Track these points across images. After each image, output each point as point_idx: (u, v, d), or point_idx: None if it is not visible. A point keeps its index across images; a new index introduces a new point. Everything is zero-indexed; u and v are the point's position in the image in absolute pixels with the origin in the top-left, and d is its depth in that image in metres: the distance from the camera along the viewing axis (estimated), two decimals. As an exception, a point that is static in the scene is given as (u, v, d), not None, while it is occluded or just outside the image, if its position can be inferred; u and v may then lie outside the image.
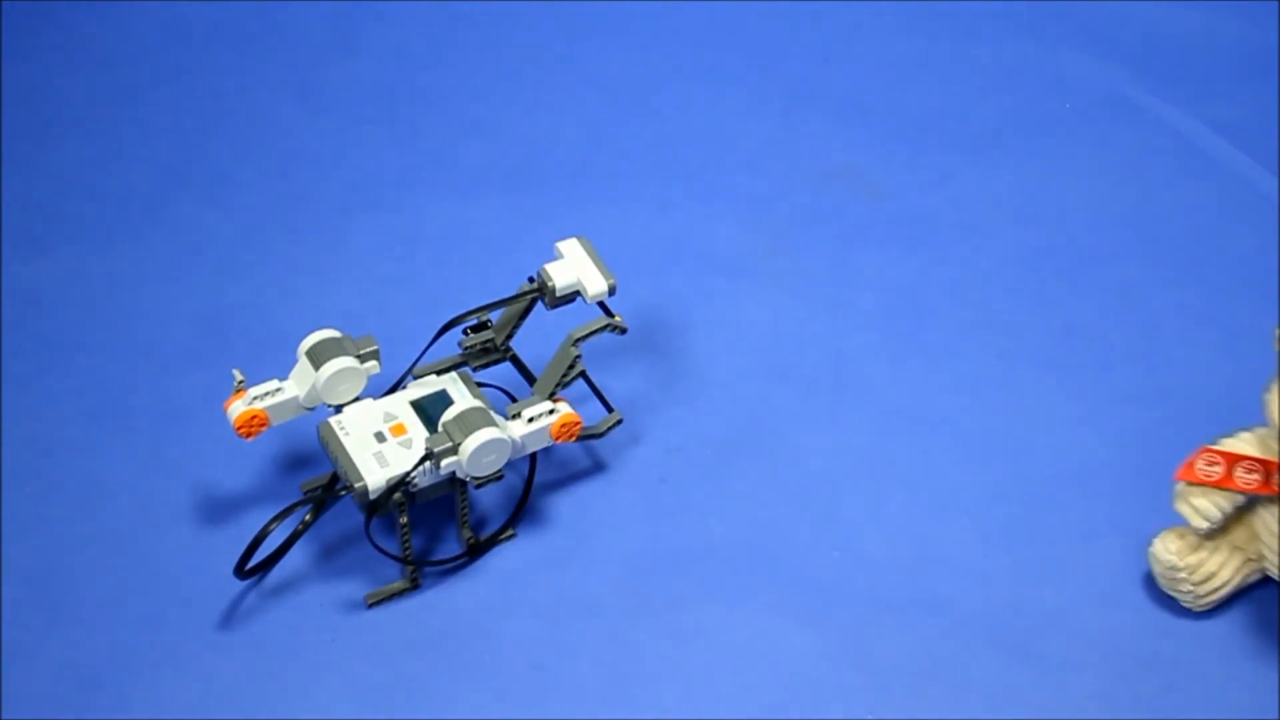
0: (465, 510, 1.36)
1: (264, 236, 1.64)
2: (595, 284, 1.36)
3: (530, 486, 1.41)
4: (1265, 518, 1.31)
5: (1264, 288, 1.61)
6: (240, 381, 1.32)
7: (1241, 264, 1.64)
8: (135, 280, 1.60)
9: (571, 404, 1.36)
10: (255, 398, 1.31)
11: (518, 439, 1.32)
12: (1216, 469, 1.28)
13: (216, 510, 1.41)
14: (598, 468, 1.45)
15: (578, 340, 1.35)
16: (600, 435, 1.42)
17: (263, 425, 1.32)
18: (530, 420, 1.32)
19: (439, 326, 1.37)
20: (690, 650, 1.33)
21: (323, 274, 1.61)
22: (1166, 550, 1.33)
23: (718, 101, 1.81)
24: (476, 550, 1.38)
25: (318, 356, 1.32)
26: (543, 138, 1.76)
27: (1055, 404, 1.51)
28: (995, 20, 1.90)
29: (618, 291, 1.38)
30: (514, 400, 1.42)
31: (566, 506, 1.43)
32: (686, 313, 1.58)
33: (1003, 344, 1.56)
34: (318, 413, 1.37)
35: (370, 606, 1.35)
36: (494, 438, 1.29)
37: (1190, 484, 1.30)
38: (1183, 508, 1.30)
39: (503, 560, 1.39)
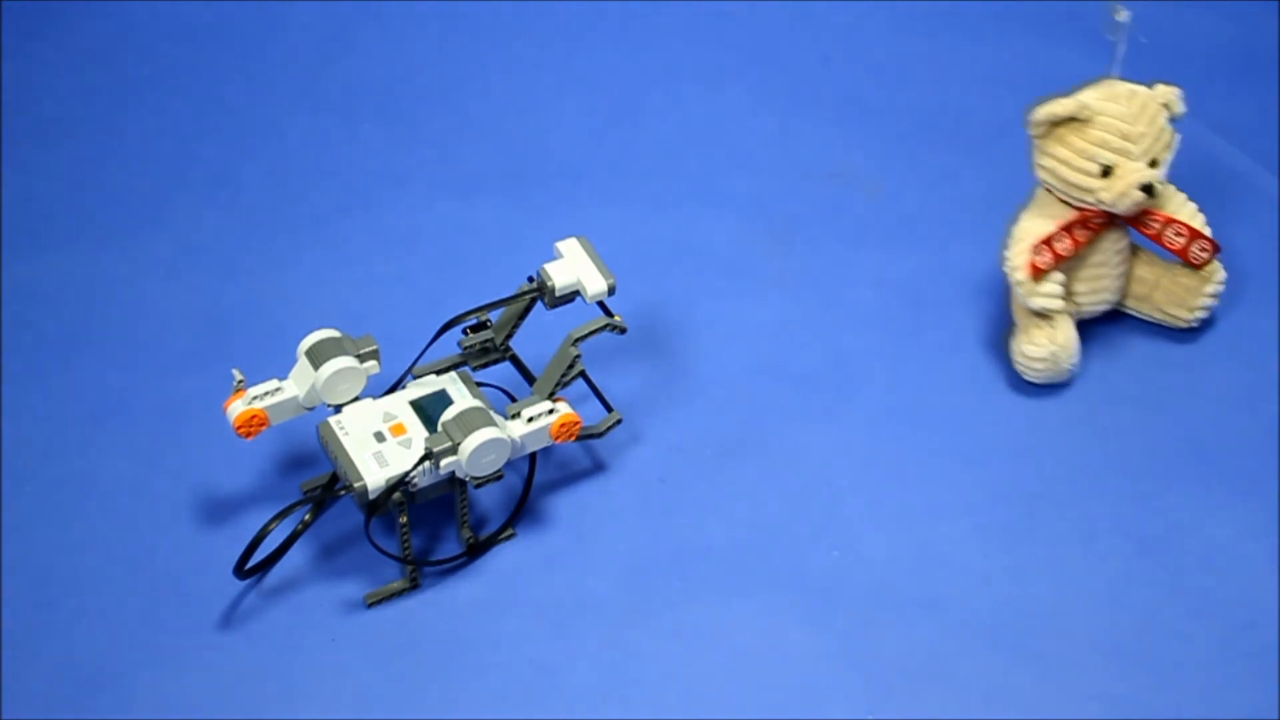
0: (465, 510, 1.36)
1: (263, 236, 1.64)
2: (595, 284, 1.36)
3: (530, 486, 1.41)
4: (1078, 269, 1.51)
5: (1264, 288, 1.61)
6: (240, 381, 1.32)
7: (1241, 264, 1.63)
8: (135, 280, 1.60)
9: (571, 404, 1.36)
10: (255, 397, 1.31)
11: (517, 439, 1.32)
12: (1046, 254, 1.46)
13: (216, 510, 1.41)
14: (598, 468, 1.45)
15: (577, 340, 1.35)
16: (600, 435, 1.42)
17: (262, 425, 1.32)
18: (530, 420, 1.32)
19: (439, 326, 1.37)
20: (690, 650, 1.33)
21: (323, 274, 1.61)
22: (1037, 346, 1.48)
23: (717, 101, 1.81)
24: (476, 550, 1.38)
25: (317, 356, 1.32)
26: (543, 138, 1.76)
27: (1055, 403, 1.51)
28: (995, 20, 1.90)
29: (617, 291, 1.38)
30: (513, 400, 1.42)
31: (566, 506, 1.43)
32: (686, 313, 1.58)
33: (1002, 343, 1.56)
34: (318, 413, 1.37)
35: (370, 606, 1.35)
36: (493, 437, 1.29)
37: (1030, 280, 1.46)
38: (1040, 301, 1.47)
39: (503, 560, 1.39)
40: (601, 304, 1.38)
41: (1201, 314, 1.54)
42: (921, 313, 1.59)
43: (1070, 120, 1.42)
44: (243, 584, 1.35)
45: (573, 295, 1.37)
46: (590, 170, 1.73)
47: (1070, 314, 1.51)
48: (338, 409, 1.34)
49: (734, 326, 1.57)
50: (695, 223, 1.67)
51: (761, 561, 1.39)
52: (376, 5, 1.90)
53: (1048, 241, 1.46)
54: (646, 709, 1.30)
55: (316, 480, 1.42)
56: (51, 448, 1.45)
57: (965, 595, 1.37)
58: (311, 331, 1.34)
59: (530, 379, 1.44)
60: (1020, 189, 1.71)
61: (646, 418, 1.49)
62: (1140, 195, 1.43)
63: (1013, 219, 1.49)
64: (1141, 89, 1.45)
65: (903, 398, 1.52)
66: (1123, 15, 1.41)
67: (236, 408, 1.31)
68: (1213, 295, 1.53)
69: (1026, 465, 1.46)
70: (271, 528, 1.30)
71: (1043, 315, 1.48)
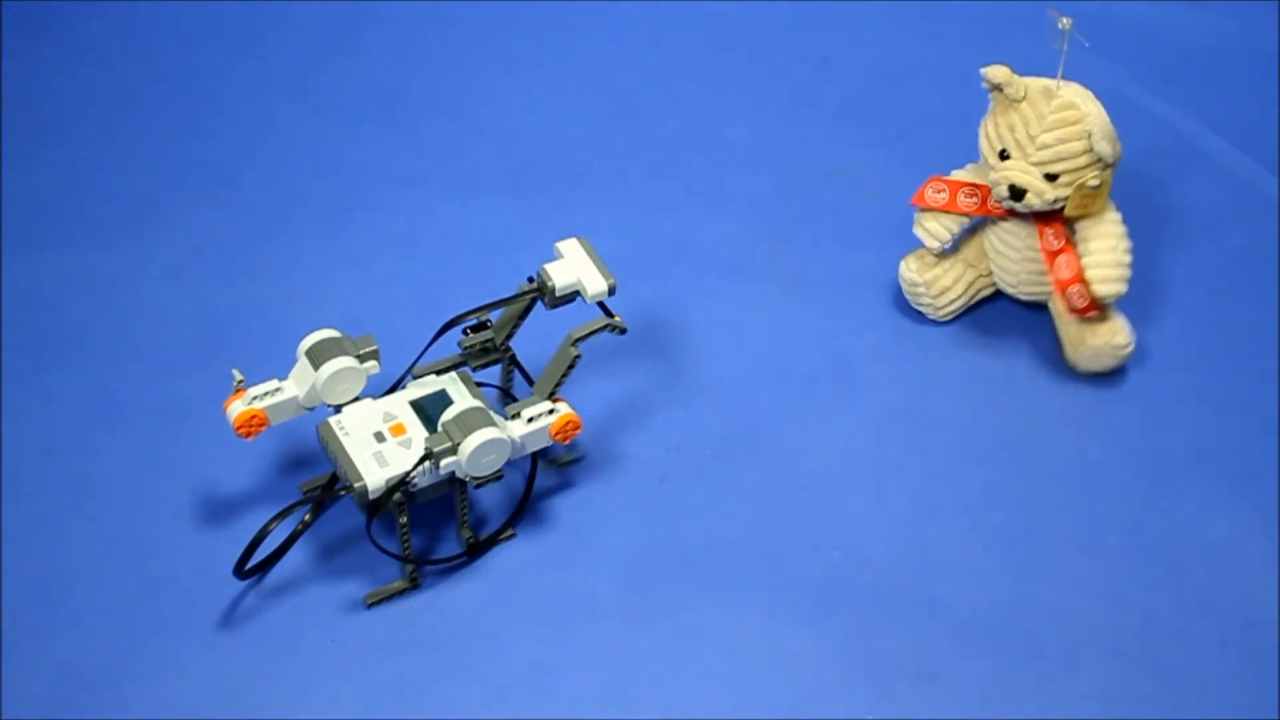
0: (465, 510, 1.36)
1: (263, 236, 1.64)
2: (595, 284, 1.36)
3: (531, 486, 1.41)
4: (991, 237, 1.53)
5: (1264, 288, 1.61)
6: (240, 381, 1.32)
7: (1241, 264, 1.63)
8: (135, 280, 1.60)
9: (571, 404, 1.37)
10: (255, 397, 1.31)
11: (517, 439, 1.32)
12: (943, 195, 1.51)
13: (216, 510, 1.41)
14: (598, 468, 1.45)
15: (577, 340, 1.35)
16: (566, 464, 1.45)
17: (262, 425, 1.32)
18: (530, 420, 1.32)
19: (439, 326, 1.37)
20: (690, 650, 1.33)
21: (323, 274, 1.61)
22: (908, 269, 1.54)
23: (718, 101, 1.81)
24: (476, 550, 1.38)
25: (317, 356, 1.32)
26: (543, 138, 1.76)
27: (1055, 403, 1.51)
28: (995, 20, 1.90)
29: (618, 291, 1.38)
30: (512, 396, 1.42)
31: (566, 506, 1.43)
32: (686, 313, 1.58)
33: (1003, 343, 1.56)
34: (318, 413, 1.37)
35: (370, 606, 1.35)
36: (493, 438, 1.29)
37: (923, 210, 1.52)
38: (918, 231, 1.53)
39: (503, 560, 1.39)
40: (601, 304, 1.38)
41: (1086, 365, 1.50)
42: (920, 313, 1.59)
43: (1004, 96, 1.44)
44: (243, 584, 1.35)
45: (573, 295, 1.37)
46: (590, 170, 1.73)
47: (984, 281, 1.56)
48: (338, 409, 1.34)
49: (734, 326, 1.57)
50: (695, 223, 1.67)
51: (761, 561, 1.39)
52: (376, 5, 1.90)
53: (956, 186, 1.49)
54: (646, 709, 1.30)
55: (316, 480, 1.42)
56: (51, 448, 1.45)
57: (965, 595, 1.37)
58: (311, 331, 1.34)
59: (530, 379, 1.44)
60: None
61: (647, 418, 1.49)
62: (1005, 191, 1.44)
63: None
64: (1084, 105, 1.42)
65: (903, 398, 1.52)
66: (1066, 23, 1.41)
67: (236, 408, 1.31)
68: (1102, 354, 1.49)
69: (1026, 465, 1.46)
70: (271, 528, 1.30)
71: (940, 254, 1.54)
